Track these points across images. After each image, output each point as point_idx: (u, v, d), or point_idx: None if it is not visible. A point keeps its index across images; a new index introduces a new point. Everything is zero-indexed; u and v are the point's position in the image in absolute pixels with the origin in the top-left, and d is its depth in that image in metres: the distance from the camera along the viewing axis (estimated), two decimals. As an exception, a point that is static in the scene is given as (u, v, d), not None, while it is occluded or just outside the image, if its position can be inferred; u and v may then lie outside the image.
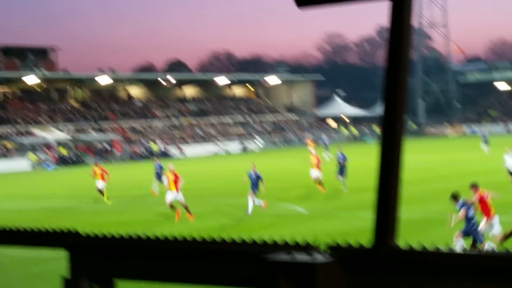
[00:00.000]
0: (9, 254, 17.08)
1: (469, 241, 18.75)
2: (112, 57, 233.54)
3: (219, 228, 24.22)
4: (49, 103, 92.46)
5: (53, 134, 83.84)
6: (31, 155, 75.80)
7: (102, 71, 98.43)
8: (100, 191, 35.70)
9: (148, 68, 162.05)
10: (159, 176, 38.96)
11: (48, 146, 79.72)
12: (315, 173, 36.63)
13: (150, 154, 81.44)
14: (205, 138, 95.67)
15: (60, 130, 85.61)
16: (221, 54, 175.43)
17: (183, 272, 3.04)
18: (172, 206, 28.24)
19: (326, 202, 31.40)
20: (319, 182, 36.17)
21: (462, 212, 18.85)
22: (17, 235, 3.49)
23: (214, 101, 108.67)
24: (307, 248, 2.77)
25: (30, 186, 41.15)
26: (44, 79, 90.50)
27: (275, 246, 2.82)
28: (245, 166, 58.93)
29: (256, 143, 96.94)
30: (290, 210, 29.16)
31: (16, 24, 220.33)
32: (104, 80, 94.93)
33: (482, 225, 19.77)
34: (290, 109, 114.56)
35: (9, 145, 78.27)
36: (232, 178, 47.24)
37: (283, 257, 2.71)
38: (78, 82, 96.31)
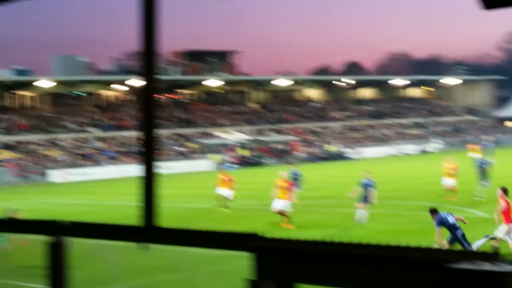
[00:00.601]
0: (195, 251, 18.12)
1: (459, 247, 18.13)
2: (290, 60, 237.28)
3: (395, 232, 24.29)
4: (229, 105, 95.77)
5: (233, 135, 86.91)
6: (212, 156, 79.02)
7: (280, 74, 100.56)
8: (224, 199, 34.42)
9: (325, 70, 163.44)
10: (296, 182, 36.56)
11: (228, 147, 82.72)
12: (448, 181, 34.71)
13: (326, 156, 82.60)
14: (382, 139, 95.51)
15: (241, 132, 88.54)
16: (398, 55, 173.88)
17: (363, 278, 2.99)
18: (280, 214, 27.99)
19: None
20: (452, 189, 34.47)
21: (437, 232, 18.72)
22: (204, 236, 3.63)
23: (391, 103, 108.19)
24: (491, 256, 2.64)
25: (211, 186, 43.20)
26: (225, 82, 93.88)
27: (457, 254, 2.74)
28: (424, 168, 58.84)
29: (435, 145, 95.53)
30: (469, 213, 28.91)
31: (199, 29, 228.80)
32: (282, 82, 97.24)
33: (501, 230, 19.41)
34: (469, 110, 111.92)
35: (192, 146, 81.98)
36: (410, 180, 47.32)
37: (467, 265, 2.60)
38: (258, 85, 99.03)
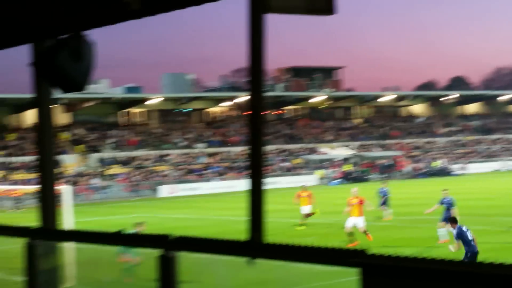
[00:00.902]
0: (301, 267, 18.11)
1: None
2: (395, 75, 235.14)
3: (497, 249, 23.80)
4: (334, 121, 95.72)
5: (338, 151, 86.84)
6: (317, 171, 79.19)
7: (385, 89, 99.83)
8: (306, 215, 34.23)
9: (430, 85, 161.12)
10: (384, 201, 36.77)
11: (333, 162, 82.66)
12: None
13: (431, 171, 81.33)
14: (488, 155, 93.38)
15: (345, 147, 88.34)
16: (507, 70, 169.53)
17: None
18: (351, 233, 27.37)
19: None
20: None
21: (457, 244, 18.97)
22: (309, 252, 3.62)
23: (498, 118, 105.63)
24: None
25: (323, 201, 43.28)
26: (330, 98, 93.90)
27: None
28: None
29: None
30: None
31: (304, 45, 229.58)
32: (387, 98, 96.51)
33: None
34: None
35: (297, 161, 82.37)
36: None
37: None
38: (362, 100, 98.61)
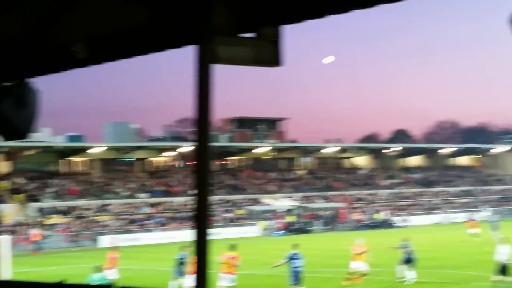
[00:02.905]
0: None
1: None
2: (338, 127, 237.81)
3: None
4: (278, 172, 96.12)
5: (281, 202, 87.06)
6: (260, 222, 79.16)
7: (328, 141, 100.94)
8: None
9: (373, 137, 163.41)
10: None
11: (276, 213, 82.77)
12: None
13: (374, 223, 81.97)
14: (430, 207, 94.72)
15: (289, 198, 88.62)
16: (448, 123, 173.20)
17: None
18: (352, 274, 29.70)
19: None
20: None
21: None
22: None
23: (439, 171, 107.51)
24: None
25: (258, 252, 43.30)
26: (274, 149, 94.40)
27: None
28: (470, 237, 58.07)
29: (483, 213, 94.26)
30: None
31: (247, 97, 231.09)
32: (330, 149, 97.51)
33: None
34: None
35: (241, 212, 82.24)
36: (456, 248, 46.77)
37: None
38: (306, 152, 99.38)
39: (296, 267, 25.03)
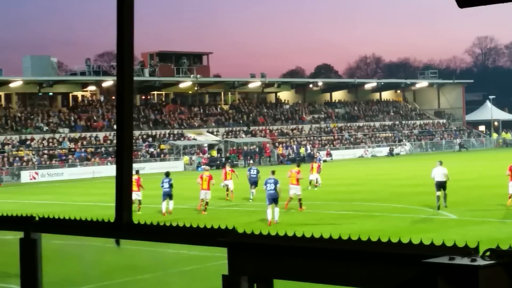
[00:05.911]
0: (169, 252, 17.68)
1: None
2: (262, 62, 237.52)
3: (367, 231, 24.39)
4: (202, 106, 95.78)
5: (205, 137, 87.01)
6: (184, 157, 79.09)
7: (252, 76, 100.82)
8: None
9: (297, 72, 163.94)
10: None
11: (200, 148, 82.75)
12: None
13: (298, 158, 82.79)
14: (353, 142, 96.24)
15: (212, 133, 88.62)
16: (369, 58, 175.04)
17: (341, 273, 3.01)
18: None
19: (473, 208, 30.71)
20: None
21: None
22: (176, 232, 3.63)
23: (362, 105, 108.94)
24: (467, 251, 2.67)
25: (183, 187, 43.23)
26: (198, 84, 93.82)
27: (432, 249, 2.76)
28: (391, 170, 59.39)
29: (404, 147, 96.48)
30: (439, 215, 29.22)
31: (170, 31, 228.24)
32: (254, 84, 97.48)
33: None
34: (439, 113, 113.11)
35: (163, 147, 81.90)
36: (376, 181, 47.76)
37: (442, 260, 2.63)
38: (230, 87, 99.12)
39: (270, 190, 28.02)
